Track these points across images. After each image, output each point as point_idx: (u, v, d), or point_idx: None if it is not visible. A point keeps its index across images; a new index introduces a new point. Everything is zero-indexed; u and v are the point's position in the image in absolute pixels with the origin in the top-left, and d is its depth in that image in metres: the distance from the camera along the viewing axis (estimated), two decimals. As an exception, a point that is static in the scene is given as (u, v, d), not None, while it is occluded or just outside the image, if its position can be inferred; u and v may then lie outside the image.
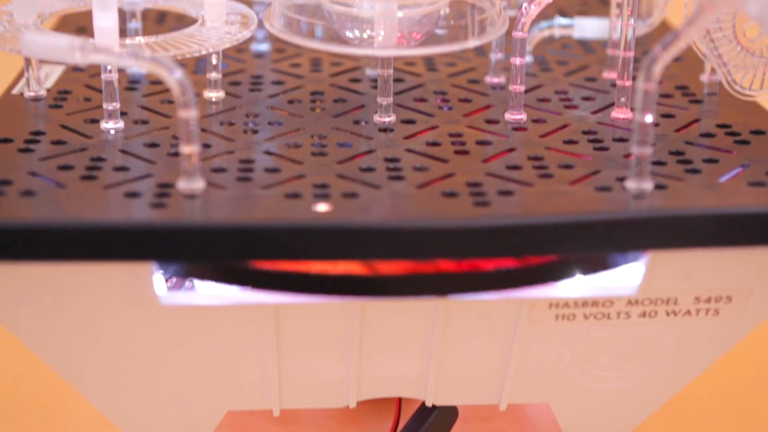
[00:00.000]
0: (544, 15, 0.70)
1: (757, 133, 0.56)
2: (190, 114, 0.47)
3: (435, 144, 0.54)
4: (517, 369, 0.53)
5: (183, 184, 0.48)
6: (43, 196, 0.48)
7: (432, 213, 0.47)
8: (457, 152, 0.53)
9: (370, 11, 0.54)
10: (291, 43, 0.56)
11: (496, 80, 0.63)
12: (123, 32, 0.59)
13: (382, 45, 0.54)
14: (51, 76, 0.62)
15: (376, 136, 0.55)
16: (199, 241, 0.46)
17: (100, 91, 0.58)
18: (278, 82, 0.62)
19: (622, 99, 0.58)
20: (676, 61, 0.51)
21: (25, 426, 0.86)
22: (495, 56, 0.63)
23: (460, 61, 0.66)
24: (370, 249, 0.46)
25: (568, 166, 0.52)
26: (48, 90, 0.60)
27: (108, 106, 0.55)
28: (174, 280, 0.51)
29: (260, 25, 0.60)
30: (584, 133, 0.56)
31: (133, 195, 0.48)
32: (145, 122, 0.56)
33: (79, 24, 0.70)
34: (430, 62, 0.66)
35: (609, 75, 0.64)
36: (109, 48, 0.48)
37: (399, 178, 0.50)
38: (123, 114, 0.57)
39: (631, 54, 0.57)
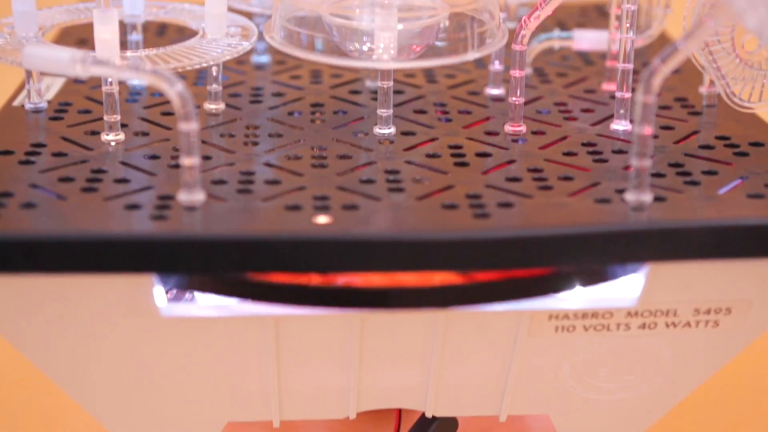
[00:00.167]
0: (544, 27, 0.70)
1: (756, 145, 0.56)
2: (190, 126, 0.47)
3: (435, 156, 0.54)
4: (516, 380, 0.53)
5: (183, 196, 0.48)
6: (43, 208, 0.48)
7: (432, 225, 0.47)
8: (456, 164, 0.53)
9: (370, 24, 0.54)
10: (291, 56, 0.56)
11: (495, 92, 0.63)
12: (124, 45, 0.59)
13: (382, 57, 0.54)
14: (52, 88, 0.62)
15: (376, 148, 0.55)
16: (199, 253, 0.46)
17: (100, 102, 0.58)
18: (278, 94, 0.63)
19: (621, 111, 0.58)
20: (675, 72, 0.52)
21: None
22: (494, 68, 0.63)
23: (460, 73, 0.66)
24: (370, 261, 0.46)
25: (567, 178, 0.52)
26: (49, 102, 0.60)
27: (109, 118, 0.55)
28: (174, 291, 0.51)
29: (260, 37, 0.60)
30: (584, 144, 0.56)
31: (133, 207, 0.48)
32: (145, 134, 0.56)
33: (80, 36, 0.70)
34: (430, 74, 0.66)
35: (608, 87, 0.64)
36: (110, 61, 0.49)
37: (399, 189, 0.50)
38: (123, 126, 0.57)
39: (630, 66, 0.57)
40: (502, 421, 0.55)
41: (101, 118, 0.57)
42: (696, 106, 0.61)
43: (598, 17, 0.78)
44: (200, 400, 0.53)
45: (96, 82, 0.62)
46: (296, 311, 0.49)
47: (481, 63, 0.68)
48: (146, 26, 0.70)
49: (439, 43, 0.56)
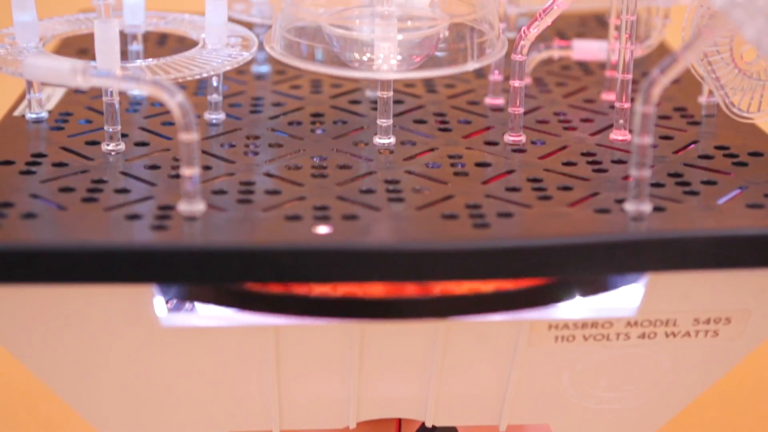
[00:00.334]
0: (543, 37, 0.70)
1: (755, 154, 0.56)
2: (191, 137, 0.47)
3: (434, 166, 0.54)
4: (516, 390, 0.53)
5: (184, 206, 0.48)
6: (44, 218, 0.48)
7: (432, 235, 0.48)
8: (456, 174, 0.54)
9: (370, 34, 0.54)
10: (291, 66, 0.56)
11: (495, 102, 0.63)
12: (124, 55, 0.59)
13: (382, 68, 0.54)
14: (52, 98, 0.62)
15: (376, 158, 0.55)
16: (199, 264, 0.46)
17: (101, 113, 0.58)
18: (278, 104, 0.63)
19: (621, 121, 0.58)
20: (674, 82, 0.52)
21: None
22: (494, 78, 0.63)
23: (460, 83, 0.66)
24: (371, 271, 0.47)
25: (567, 188, 0.52)
26: (49, 112, 0.60)
27: (109, 128, 0.55)
28: (174, 301, 0.51)
29: (261, 47, 0.60)
30: (583, 154, 0.56)
31: (133, 217, 0.48)
32: (145, 144, 0.57)
33: (80, 46, 0.71)
34: (429, 84, 0.66)
35: (607, 97, 0.64)
36: (110, 71, 0.49)
37: (399, 199, 0.50)
38: (124, 136, 0.57)
39: (629, 76, 0.58)
40: (502, 430, 0.55)
41: (102, 128, 0.57)
42: (695, 116, 0.61)
43: (597, 27, 0.78)
44: (200, 410, 0.53)
45: (96, 93, 0.62)
46: (296, 321, 0.49)
47: (481, 73, 0.68)
48: (146, 36, 0.70)
49: (438, 54, 0.56)
